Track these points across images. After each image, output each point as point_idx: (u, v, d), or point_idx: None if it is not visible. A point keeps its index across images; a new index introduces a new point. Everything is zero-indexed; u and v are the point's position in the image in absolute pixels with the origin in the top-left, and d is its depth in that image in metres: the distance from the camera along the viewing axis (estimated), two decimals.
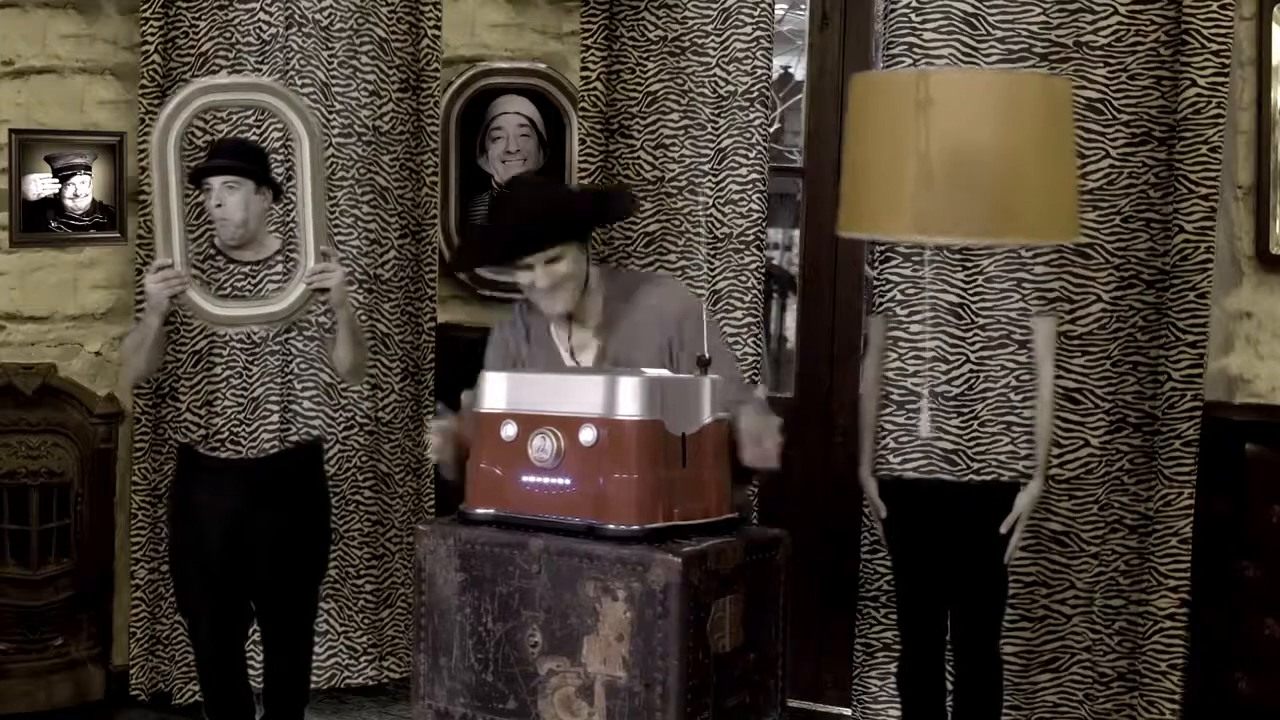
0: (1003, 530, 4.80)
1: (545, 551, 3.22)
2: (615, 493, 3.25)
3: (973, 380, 4.82)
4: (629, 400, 3.26)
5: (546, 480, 3.34)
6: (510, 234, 3.98)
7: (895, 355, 4.95)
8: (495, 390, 3.46)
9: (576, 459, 3.29)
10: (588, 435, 3.28)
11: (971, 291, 5.21)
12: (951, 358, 4.84)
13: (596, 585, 3.15)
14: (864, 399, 5.10)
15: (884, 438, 4.97)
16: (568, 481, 3.32)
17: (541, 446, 3.32)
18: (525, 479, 3.37)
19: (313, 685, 5.43)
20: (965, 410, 4.80)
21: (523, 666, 3.25)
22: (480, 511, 3.44)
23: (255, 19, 5.96)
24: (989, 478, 4.79)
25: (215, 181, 4.82)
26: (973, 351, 4.84)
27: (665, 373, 3.63)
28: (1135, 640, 5.46)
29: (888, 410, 4.96)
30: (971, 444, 4.79)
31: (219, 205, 4.84)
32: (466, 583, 3.33)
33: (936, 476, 4.83)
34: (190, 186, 4.91)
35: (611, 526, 3.23)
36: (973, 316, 5.13)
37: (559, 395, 3.36)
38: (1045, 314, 4.87)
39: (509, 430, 3.40)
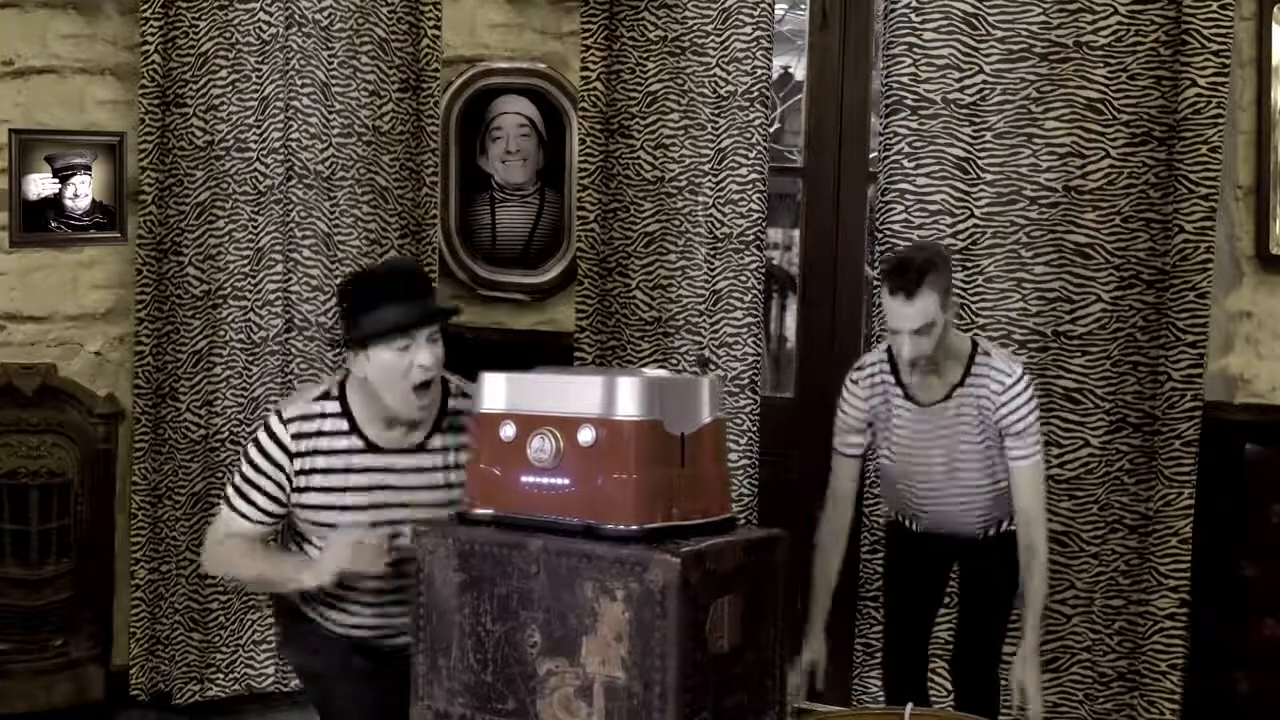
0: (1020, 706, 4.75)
1: (544, 552, 3.22)
2: (614, 493, 3.25)
3: None
4: (627, 400, 3.26)
5: (545, 480, 3.34)
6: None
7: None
8: (494, 391, 3.46)
9: (575, 459, 3.30)
10: (586, 435, 3.28)
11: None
12: None
13: (595, 586, 3.14)
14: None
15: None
16: (566, 482, 3.32)
17: (540, 447, 3.32)
18: (524, 479, 3.37)
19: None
20: None
21: (521, 667, 3.24)
22: (479, 512, 3.44)
23: (255, 19, 5.96)
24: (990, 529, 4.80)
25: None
26: None
27: (664, 373, 3.64)
28: (1135, 640, 5.46)
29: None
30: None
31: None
32: (465, 583, 3.32)
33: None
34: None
35: (610, 526, 3.23)
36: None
37: (557, 395, 3.36)
38: (1028, 458, 4.64)
39: (508, 430, 3.40)
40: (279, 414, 4.04)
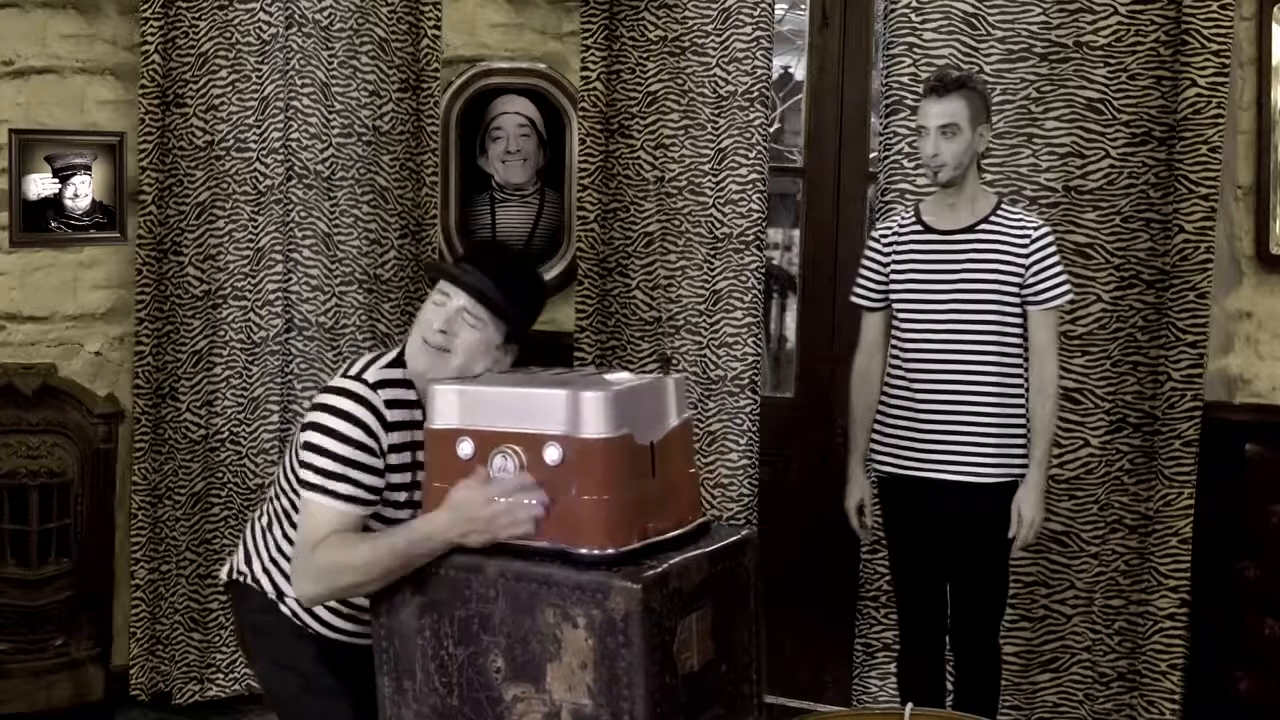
0: (1011, 535, 4.79)
1: (501, 576, 3.09)
2: (585, 515, 3.12)
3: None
4: (595, 417, 3.13)
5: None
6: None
7: (895, 352, 4.95)
8: (446, 404, 3.29)
9: (542, 479, 3.15)
10: (553, 454, 3.13)
11: None
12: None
13: (556, 612, 3.02)
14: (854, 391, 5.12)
15: (877, 434, 4.98)
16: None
17: (503, 466, 3.16)
18: None
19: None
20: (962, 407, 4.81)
21: (488, 692, 3.14)
22: None
23: (255, 19, 5.94)
24: (985, 478, 4.78)
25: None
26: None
27: (627, 375, 3.47)
28: (1135, 640, 5.45)
29: (883, 406, 4.97)
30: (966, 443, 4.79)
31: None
32: (425, 605, 3.22)
33: (930, 475, 4.84)
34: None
35: (584, 551, 3.10)
36: None
37: (518, 410, 3.20)
38: (1051, 300, 4.80)
39: (465, 448, 3.24)
40: (361, 379, 3.49)
